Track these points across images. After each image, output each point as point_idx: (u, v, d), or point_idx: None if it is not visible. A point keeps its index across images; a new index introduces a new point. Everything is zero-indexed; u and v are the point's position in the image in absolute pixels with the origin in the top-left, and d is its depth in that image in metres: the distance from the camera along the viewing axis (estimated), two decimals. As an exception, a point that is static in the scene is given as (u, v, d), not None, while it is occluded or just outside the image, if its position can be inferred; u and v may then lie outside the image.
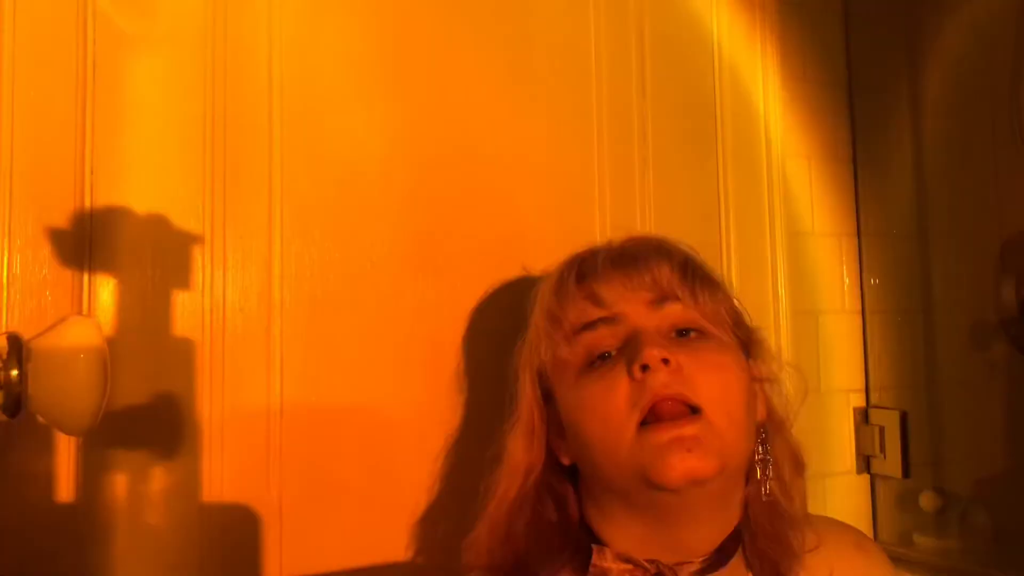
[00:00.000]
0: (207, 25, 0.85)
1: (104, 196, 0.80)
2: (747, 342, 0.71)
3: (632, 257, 0.69)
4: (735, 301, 0.72)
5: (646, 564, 0.64)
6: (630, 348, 0.64)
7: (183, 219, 0.83)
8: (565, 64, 1.04)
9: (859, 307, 1.26)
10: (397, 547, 0.88)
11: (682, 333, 0.66)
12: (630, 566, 0.65)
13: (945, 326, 1.19)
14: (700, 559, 0.65)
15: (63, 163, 0.78)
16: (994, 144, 1.13)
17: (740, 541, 0.68)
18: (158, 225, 0.82)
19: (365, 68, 0.93)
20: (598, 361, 0.66)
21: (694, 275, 0.68)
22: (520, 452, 0.71)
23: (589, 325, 0.67)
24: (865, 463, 1.22)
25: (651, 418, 0.61)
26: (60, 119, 0.79)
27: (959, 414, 1.17)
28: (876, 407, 1.23)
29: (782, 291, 1.17)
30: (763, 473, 0.68)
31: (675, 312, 0.66)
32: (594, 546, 0.66)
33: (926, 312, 1.21)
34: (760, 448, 0.68)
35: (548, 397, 0.71)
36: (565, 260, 0.74)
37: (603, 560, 0.65)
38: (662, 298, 0.66)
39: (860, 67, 1.28)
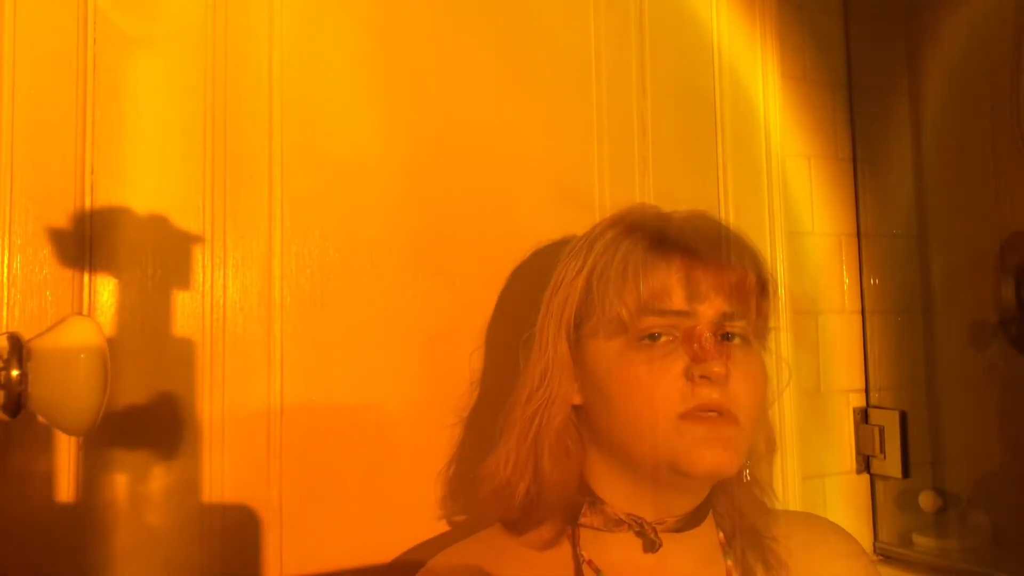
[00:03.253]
0: (207, 25, 0.85)
1: (104, 196, 0.80)
2: (762, 339, 0.74)
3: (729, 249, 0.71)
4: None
5: (630, 521, 0.69)
6: (692, 348, 0.66)
7: (183, 219, 0.83)
8: (565, 64, 1.04)
9: (859, 307, 1.26)
10: (397, 547, 0.88)
11: (727, 336, 0.69)
12: (617, 517, 0.69)
13: (945, 326, 1.19)
14: (676, 518, 0.69)
15: (63, 163, 0.78)
16: (994, 144, 1.13)
17: (712, 503, 0.73)
18: (158, 225, 0.82)
19: (365, 68, 0.93)
20: (647, 339, 0.67)
21: (765, 290, 0.72)
22: (564, 387, 0.72)
23: (664, 313, 0.67)
24: (865, 463, 1.23)
25: (690, 412, 0.65)
26: (60, 119, 0.78)
27: (959, 414, 1.17)
28: (876, 407, 1.23)
29: (782, 291, 1.16)
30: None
31: (738, 326, 0.69)
32: (587, 499, 0.70)
33: (926, 312, 1.21)
34: None
35: (576, 339, 0.72)
36: (639, 213, 0.74)
37: (594, 513, 0.70)
38: (732, 314, 0.68)
39: (860, 67, 1.28)
